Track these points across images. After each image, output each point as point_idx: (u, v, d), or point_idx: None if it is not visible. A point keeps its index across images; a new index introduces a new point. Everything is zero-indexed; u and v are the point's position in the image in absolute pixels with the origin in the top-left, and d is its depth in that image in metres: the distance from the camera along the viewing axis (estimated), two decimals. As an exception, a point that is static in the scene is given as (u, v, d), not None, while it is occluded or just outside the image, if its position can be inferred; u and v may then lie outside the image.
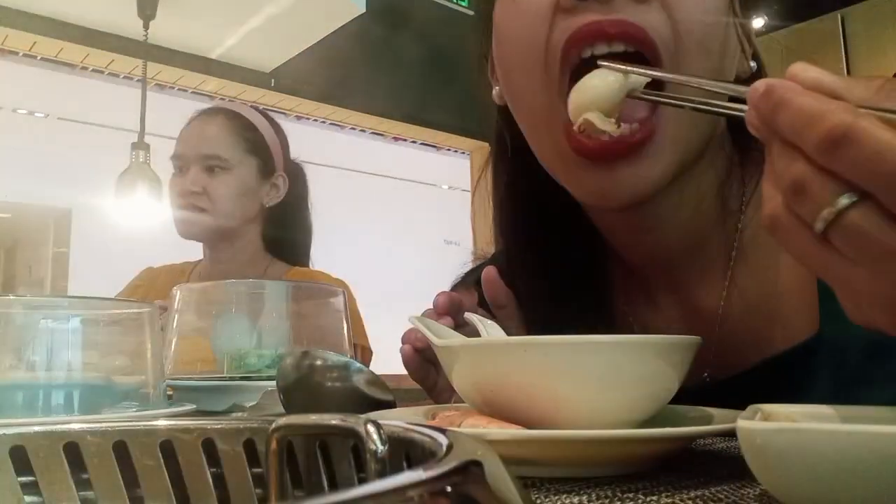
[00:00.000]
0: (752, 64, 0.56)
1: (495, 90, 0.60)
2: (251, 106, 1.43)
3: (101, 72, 3.43)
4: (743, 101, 0.32)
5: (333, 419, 0.24)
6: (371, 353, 1.40)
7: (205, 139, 1.29)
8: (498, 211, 0.65)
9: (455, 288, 1.23)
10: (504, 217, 0.65)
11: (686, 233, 0.57)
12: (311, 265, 1.43)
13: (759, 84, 0.30)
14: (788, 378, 0.55)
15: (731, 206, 0.58)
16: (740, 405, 0.38)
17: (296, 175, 1.42)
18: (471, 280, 1.21)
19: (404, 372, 0.65)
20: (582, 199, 0.56)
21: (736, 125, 0.49)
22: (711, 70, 0.49)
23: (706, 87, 0.40)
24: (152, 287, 1.41)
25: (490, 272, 0.62)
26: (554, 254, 0.63)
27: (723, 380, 0.58)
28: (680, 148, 0.50)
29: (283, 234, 1.40)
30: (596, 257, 0.63)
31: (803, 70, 0.29)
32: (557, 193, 0.56)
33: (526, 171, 0.59)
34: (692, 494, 0.33)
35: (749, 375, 0.57)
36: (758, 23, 4.57)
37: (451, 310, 0.61)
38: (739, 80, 0.54)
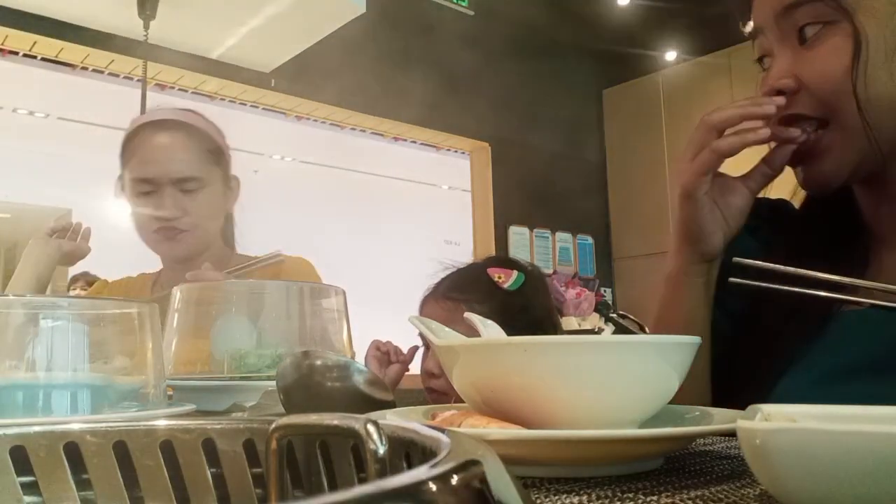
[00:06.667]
0: None
1: None
2: (186, 110, 1.32)
3: (101, 72, 3.43)
4: None
5: (333, 419, 0.24)
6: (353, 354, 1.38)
7: (175, 161, 1.24)
8: None
9: (427, 298, 1.19)
10: None
11: None
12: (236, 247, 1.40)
13: None
14: None
15: None
16: None
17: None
18: (442, 289, 1.17)
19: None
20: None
21: None
22: None
23: None
24: None
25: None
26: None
27: None
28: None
29: (230, 224, 1.39)
30: (859, 238, 0.73)
31: None
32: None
33: None
34: (692, 494, 0.33)
35: None
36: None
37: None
38: None
